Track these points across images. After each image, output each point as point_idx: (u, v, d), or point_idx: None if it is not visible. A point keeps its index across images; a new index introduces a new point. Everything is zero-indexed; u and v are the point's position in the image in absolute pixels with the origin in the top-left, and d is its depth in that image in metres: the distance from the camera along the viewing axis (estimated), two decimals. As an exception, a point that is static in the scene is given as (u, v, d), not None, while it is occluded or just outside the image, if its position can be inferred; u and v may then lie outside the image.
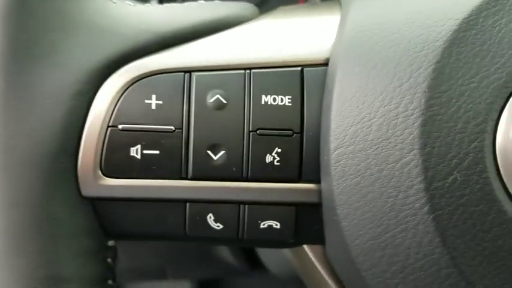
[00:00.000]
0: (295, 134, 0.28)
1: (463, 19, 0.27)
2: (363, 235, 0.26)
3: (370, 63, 0.27)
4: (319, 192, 0.28)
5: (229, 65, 0.29)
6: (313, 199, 0.28)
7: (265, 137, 0.28)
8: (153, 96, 0.28)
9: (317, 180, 0.28)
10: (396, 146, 0.26)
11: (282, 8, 0.36)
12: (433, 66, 0.26)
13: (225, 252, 0.60)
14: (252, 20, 0.32)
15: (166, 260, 0.64)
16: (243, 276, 0.72)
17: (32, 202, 0.26)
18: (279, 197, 0.28)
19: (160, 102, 0.28)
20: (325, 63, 0.29)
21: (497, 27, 0.27)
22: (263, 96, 0.28)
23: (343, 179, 0.26)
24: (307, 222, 0.29)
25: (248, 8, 0.33)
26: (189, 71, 0.28)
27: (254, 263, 0.61)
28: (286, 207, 0.29)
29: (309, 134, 0.28)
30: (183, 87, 0.28)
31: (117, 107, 0.27)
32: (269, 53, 0.29)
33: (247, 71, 0.29)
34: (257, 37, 0.30)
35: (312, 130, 0.28)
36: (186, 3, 0.32)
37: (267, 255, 0.55)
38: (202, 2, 0.34)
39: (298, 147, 0.28)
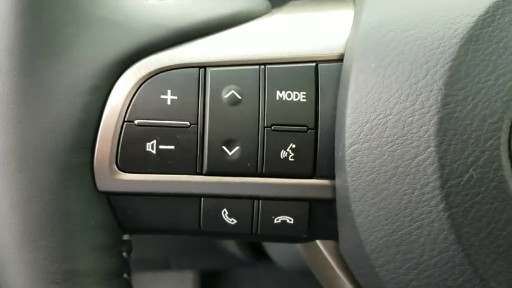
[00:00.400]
0: (309, 130, 0.28)
1: (480, 16, 0.26)
2: (378, 231, 0.26)
3: (386, 59, 0.27)
4: (333, 188, 0.28)
5: (244, 61, 0.28)
6: (327, 195, 0.28)
7: (280, 132, 0.28)
8: (168, 92, 0.28)
9: (331, 176, 0.28)
10: (412, 143, 0.26)
11: (293, 3, 0.35)
12: (449, 64, 0.26)
13: (230, 244, 0.61)
14: (265, 15, 0.32)
15: (170, 251, 0.65)
16: (247, 267, 0.72)
17: (47, 197, 0.26)
18: (293, 192, 0.29)
19: (176, 97, 0.28)
20: (340, 59, 0.29)
21: None
22: (278, 92, 0.28)
23: (358, 175, 0.26)
24: (320, 217, 0.29)
25: (261, 3, 0.32)
26: (204, 66, 0.28)
27: (259, 255, 0.61)
28: (300, 203, 0.29)
29: (324, 130, 0.28)
30: (198, 82, 0.28)
31: (132, 102, 0.27)
32: (283, 48, 0.29)
33: (262, 66, 0.29)
34: (271, 32, 0.30)
35: (326, 126, 0.28)
36: None
37: (273, 247, 0.56)
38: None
39: (313, 143, 0.28)
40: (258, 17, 0.31)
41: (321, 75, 0.29)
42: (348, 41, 0.29)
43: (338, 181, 0.28)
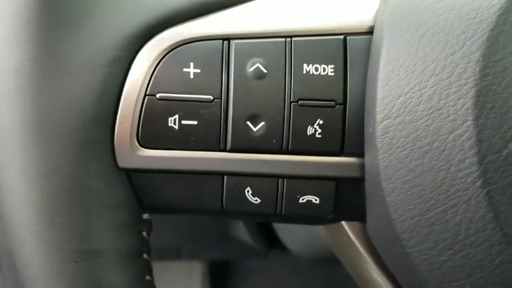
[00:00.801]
0: (337, 105, 0.27)
1: None
2: (410, 210, 0.25)
3: (419, 30, 0.26)
4: (361, 166, 0.27)
5: (269, 33, 0.27)
6: (355, 174, 0.27)
7: (307, 108, 0.27)
8: (191, 65, 0.26)
9: (359, 154, 0.27)
10: (448, 117, 0.24)
11: None
12: (487, 34, 0.25)
13: (241, 232, 0.59)
14: None
15: (181, 240, 0.64)
16: (256, 258, 0.71)
17: (66, 172, 0.25)
18: (320, 171, 0.27)
19: (198, 70, 0.26)
20: (369, 32, 0.28)
21: None
22: (304, 65, 0.27)
23: (390, 152, 0.25)
24: (347, 197, 0.28)
25: None
26: (228, 38, 0.27)
27: (271, 244, 0.60)
28: (327, 182, 0.28)
29: (353, 105, 0.27)
30: (221, 55, 0.27)
31: (154, 75, 0.26)
32: (310, 20, 0.28)
33: (288, 39, 0.27)
34: (298, 4, 0.28)
35: (355, 101, 0.27)
36: None
37: (287, 233, 0.55)
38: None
39: (341, 119, 0.27)
40: None
41: (349, 49, 0.27)
42: (377, 12, 0.28)
43: (368, 158, 0.26)
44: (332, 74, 0.27)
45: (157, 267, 0.77)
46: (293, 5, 0.28)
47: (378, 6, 0.28)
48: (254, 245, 0.60)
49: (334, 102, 0.27)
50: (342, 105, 0.27)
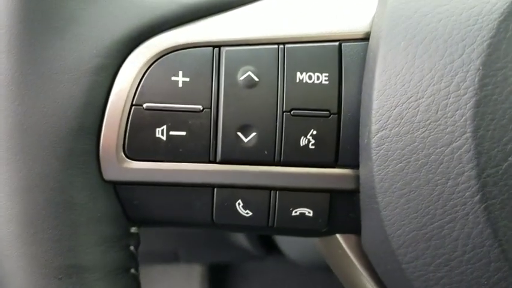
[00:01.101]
0: (332, 115, 0.26)
1: None
2: (406, 225, 0.24)
3: (417, 37, 0.25)
4: (356, 178, 0.26)
5: (261, 39, 0.26)
6: (350, 186, 0.26)
7: (300, 117, 0.26)
8: (180, 73, 0.26)
9: (354, 166, 0.26)
10: (446, 128, 0.23)
11: None
12: (487, 42, 0.24)
13: (240, 237, 0.59)
14: None
15: (179, 244, 0.63)
16: (256, 261, 0.71)
17: (49, 186, 0.24)
18: (313, 183, 0.26)
19: (188, 79, 0.26)
20: (365, 38, 0.27)
21: None
22: (298, 74, 0.26)
23: (386, 164, 0.24)
24: (342, 210, 0.27)
25: None
26: (218, 45, 0.26)
27: (269, 248, 0.59)
28: (320, 194, 0.27)
29: (347, 115, 0.26)
30: (212, 63, 0.26)
31: (141, 84, 0.25)
32: (304, 26, 0.27)
33: (281, 46, 0.26)
34: (291, 9, 0.27)
35: (350, 111, 0.26)
36: None
37: (285, 240, 0.54)
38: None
39: (335, 129, 0.26)
40: None
41: (344, 56, 0.27)
42: (374, 18, 0.27)
43: (362, 170, 0.26)
44: (326, 82, 0.26)
45: (156, 270, 0.76)
46: (287, 10, 0.27)
47: (375, 11, 0.27)
48: (252, 250, 0.59)
49: (328, 112, 0.26)
50: (337, 115, 0.26)
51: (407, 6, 0.25)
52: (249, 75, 0.26)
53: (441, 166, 0.24)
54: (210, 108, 0.25)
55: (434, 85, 0.24)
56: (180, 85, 0.25)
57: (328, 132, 0.26)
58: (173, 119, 0.25)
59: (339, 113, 0.26)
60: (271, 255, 0.60)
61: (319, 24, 0.27)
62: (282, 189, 0.27)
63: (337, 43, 0.27)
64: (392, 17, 0.25)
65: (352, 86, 0.26)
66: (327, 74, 0.26)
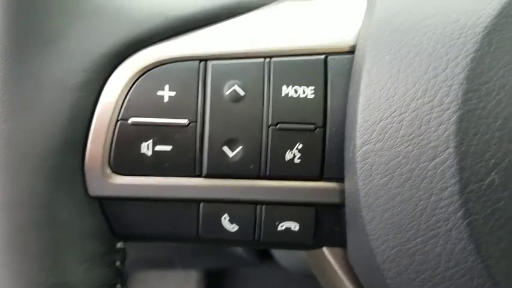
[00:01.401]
0: (317, 129, 0.26)
1: (506, 2, 0.24)
2: (390, 240, 0.24)
3: (402, 51, 0.25)
4: (342, 192, 0.26)
5: (247, 53, 0.26)
6: (336, 199, 0.26)
7: (286, 131, 0.26)
8: (166, 87, 0.26)
9: (340, 179, 0.26)
10: (430, 143, 0.23)
11: None
12: (471, 56, 0.24)
13: (234, 244, 0.59)
14: (273, 3, 0.29)
15: (175, 250, 0.63)
16: (252, 267, 0.71)
17: (34, 202, 0.24)
18: (299, 196, 0.26)
19: (174, 93, 0.26)
20: (351, 51, 0.27)
21: None
22: (284, 87, 0.26)
23: (370, 178, 0.24)
24: (328, 223, 0.27)
25: None
26: (204, 59, 0.26)
27: (264, 256, 0.59)
28: (306, 208, 0.27)
29: (333, 128, 0.26)
30: (198, 77, 0.26)
31: (127, 99, 0.25)
32: (290, 39, 0.27)
33: (267, 59, 0.26)
34: (277, 22, 0.27)
35: (336, 124, 0.26)
36: None
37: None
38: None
39: (321, 142, 0.26)
40: (264, 4, 0.29)
41: (330, 69, 0.27)
42: (360, 30, 0.27)
43: (348, 184, 0.26)
44: (312, 95, 0.26)
45: (153, 275, 0.76)
46: (273, 24, 0.27)
47: (361, 24, 0.27)
48: (246, 256, 0.59)
49: (314, 126, 0.26)
50: (322, 129, 0.26)
51: (392, 19, 0.26)
52: (235, 89, 0.26)
53: (424, 181, 0.24)
54: (196, 122, 0.26)
55: (418, 99, 0.24)
56: (166, 99, 0.26)
57: (314, 146, 0.26)
58: (159, 133, 0.25)
59: (324, 126, 0.26)
60: (266, 263, 0.60)
61: (305, 37, 0.27)
62: (268, 203, 0.27)
63: (323, 56, 0.27)
64: (378, 30, 0.26)
65: (338, 99, 0.26)
66: (312, 88, 0.26)
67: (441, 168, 0.23)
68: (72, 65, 0.25)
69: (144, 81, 0.26)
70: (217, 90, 0.26)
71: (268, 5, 0.29)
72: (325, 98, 0.26)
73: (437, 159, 0.23)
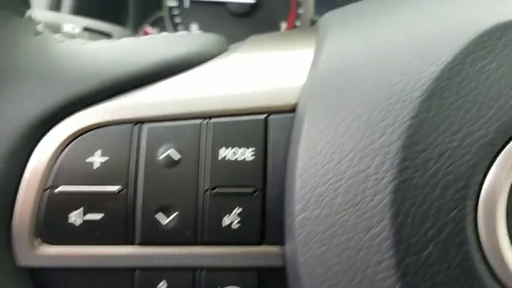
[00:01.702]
0: (257, 192, 0.25)
1: (447, 64, 0.23)
2: None
3: (340, 115, 0.24)
4: (284, 255, 0.25)
5: (184, 115, 0.26)
6: (278, 263, 0.26)
7: (224, 195, 0.25)
8: (98, 152, 0.25)
9: (282, 242, 0.25)
10: (365, 213, 0.23)
11: (253, 38, 0.33)
12: (408, 122, 0.23)
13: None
14: (217, 56, 0.29)
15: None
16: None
17: None
18: (240, 261, 0.26)
19: (106, 159, 0.25)
20: (294, 110, 0.26)
21: (486, 73, 0.23)
22: (222, 150, 0.25)
23: (308, 247, 0.23)
24: (271, 287, 0.26)
25: (213, 42, 0.30)
26: (139, 122, 0.25)
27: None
28: (248, 273, 0.26)
29: (273, 190, 0.25)
30: (130, 141, 0.25)
31: (56, 166, 0.25)
32: (230, 99, 0.26)
33: (205, 120, 0.26)
34: (217, 80, 0.27)
35: (276, 186, 0.25)
36: (143, 38, 0.29)
37: None
38: (164, 35, 0.31)
39: (261, 206, 0.25)
40: (208, 59, 0.28)
41: (271, 129, 0.26)
42: (303, 89, 0.26)
43: (288, 250, 0.25)
44: (252, 157, 0.25)
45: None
46: (212, 82, 0.27)
47: (304, 82, 0.26)
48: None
49: (253, 189, 0.25)
50: (262, 192, 0.25)
51: (333, 81, 0.25)
52: (170, 153, 0.25)
53: (361, 252, 0.23)
54: (129, 188, 0.25)
55: (354, 167, 0.23)
56: (98, 165, 0.25)
57: (254, 210, 0.25)
58: (89, 201, 0.25)
59: (264, 189, 0.25)
60: None
61: (245, 96, 0.26)
62: (207, 269, 0.26)
63: (264, 116, 0.26)
64: (318, 91, 0.25)
65: (279, 160, 0.25)
66: (253, 149, 0.25)
67: (377, 240, 0.22)
68: None
69: (75, 147, 0.25)
70: (151, 154, 0.25)
71: (209, 61, 0.28)
72: (265, 160, 0.25)
73: (373, 231, 0.22)
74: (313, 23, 0.77)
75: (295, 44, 0.31)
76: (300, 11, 0.76)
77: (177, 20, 0.75)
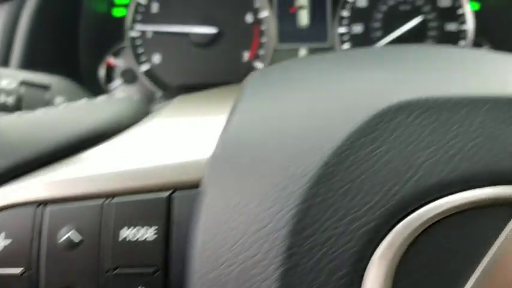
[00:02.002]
0: (158, 272, 0.26)
1: (336, 149, 0.24)
2: None
3: (234, 198, 0.24)
4: None
5: (86, 194, 0.26)
6: None
7: (125, 276, 0.26)
8: (2, 235, 0.25)
9: None
10: None
11: (179, 99, 0.33)
12: (296, 209, 0.23)
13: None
14: (130, 128, 0.29)
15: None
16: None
17: None
18: None
19: (10, 241, 0.25)
20: (198, 185, 0.26)
21: (374, 158, 0.24)
22: (123, 230, 0.26)
23: None
24: None
25: (129, 110, 0.30)
26: (42, 203, 0.26)
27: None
28: None
29: (176, 270, 0.26)
30: (33, 223, 0.26)
31: None
32: (134, 176, 0.27)
33: (107, 200, 0.26)
34: (124, 155, 0.27)
35: (179, 265, 0.26)
36: (59, 110, 0.30)
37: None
38: (83, 103, 0.31)
39: (163, 285, 0.26)
40: (122, 129, 0.29)
41: (176, 206, 0.26)
42: (206, 164, 0.27)
43: None
44: (154, 236, 0.26)
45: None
46: (118, 158, 0.27)
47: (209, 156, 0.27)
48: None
49: (154, 269, 0.26)
50: (163, 271, 0.26)
51: (232, 158, 0.25)
52: (72, 234, 0.26)
53: None
54: (31, 270, 0.25)
55: (245, 252, 0.24)
56: (1, 248, 0.25)
57: None
58: None
59: (166, 268, 0.26)
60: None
61: (150, 172, 0.27)
62: None
63: (169, 192, 0.26)
64: (216, 169, 0.25)
65: (182, 238, 0.26)
66: (155, 228, 0.26)
67: None
68: None
69: None
70: (52, 236, 0.25)
71: (121, 133, 0.28)
72: (167, 238, 0.26)
73: None
74: (276, 52, 0.77)
75: (214, 108, 0.31)
76: (263, 40, 0.77)
77: (140, 50, 0.76)
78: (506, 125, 0.24)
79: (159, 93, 0.76)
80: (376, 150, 0.24)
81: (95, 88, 0.74)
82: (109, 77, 0.75)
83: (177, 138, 0.28)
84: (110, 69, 0.75)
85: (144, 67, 0.76)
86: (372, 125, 0.24)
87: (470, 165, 0.23)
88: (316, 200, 0.23)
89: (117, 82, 0.75)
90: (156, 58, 0.76)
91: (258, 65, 0.77)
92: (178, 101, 0.33)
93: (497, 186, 0.23)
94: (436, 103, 0.24)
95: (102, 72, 0.75)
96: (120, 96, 0.33)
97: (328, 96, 0.26)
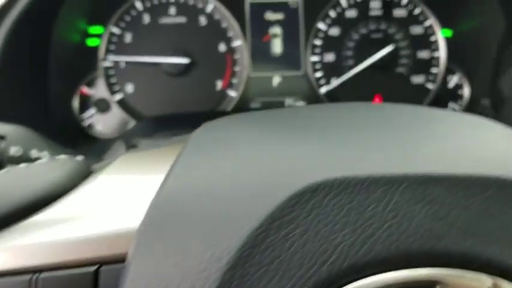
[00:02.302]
0: None
1: (252, 232, 0.24)
2: None
3: (156, 277, 0.24)
4: None
5: (14, 270, 0.26)
6: None
7: None
8: None
9: None
10: None
11: (123, 158, 0.33)
12: None
13: None
14: (67, 194, 0.30)
15: None
16: None
17: None
18: None
19: None
20: (125, 259, 0.27)
21: (291, 240, 0.24)
22: None
23: None
24: None
25: (69, 175, 0.30)
26: None
27: None
28: None
29: None
30: None
31: None
32: (61, 250, 0.27)
33: (35, 275, 0.26)
34: (50, 232, 0.27)
35: None
36: None
37: None
38: (22, 167, 0.32)
39: None
40: (61, 195, 0.29)
41: (102, 282, 0.26)
42: (134, 236, 0.27)
43: None
44: None
45: None
46: (44, 235, 0.27)
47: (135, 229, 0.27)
48: None
49: None
50: None
51: (152, 238, 0.25)
52: None
53: None
54: None
55: None
56: None
57: None
58: None
59: None
60: None
61: (77, 246, 0.27)
62: None
63: (95, 267, 0.27)
64: (140, 244, 0.25)
65: None
66: None
67: None
68: None
69: None
70: None
71: (56, 201, 0.29)
72: None
73: None
74: (250, 80, 0.78)
75: (156, 168, 0.31)
76: (236, 68, 0.78)
77: (113, 80, 0.76)
78: (422, 204, 0.24)
79: (132, 122, 0.76)
80: (293, 232, 0.24)
81: (68, 118, 0.74)
82: (83, 106, 0.76)
83: (110, 206, 0.28)
84: (84, 99, 0.76)
85: (117, 96, 0.76)
86: (289, 206, 0.24)
87: (385, 246, 0.24)
88: (232, 284, 0.23)
89: (91, 111, 0.76)
90: (129, 88, 0.77)
91: (232, 93, 0.77)
92: (121, 161, 0.33)
93: (411, 269, 0.23)
94: (352, 182, 0.25)
95: (76, 101, 0.75)
96: (62, 157, 0.33)
97: (254, 168, 0.26)
